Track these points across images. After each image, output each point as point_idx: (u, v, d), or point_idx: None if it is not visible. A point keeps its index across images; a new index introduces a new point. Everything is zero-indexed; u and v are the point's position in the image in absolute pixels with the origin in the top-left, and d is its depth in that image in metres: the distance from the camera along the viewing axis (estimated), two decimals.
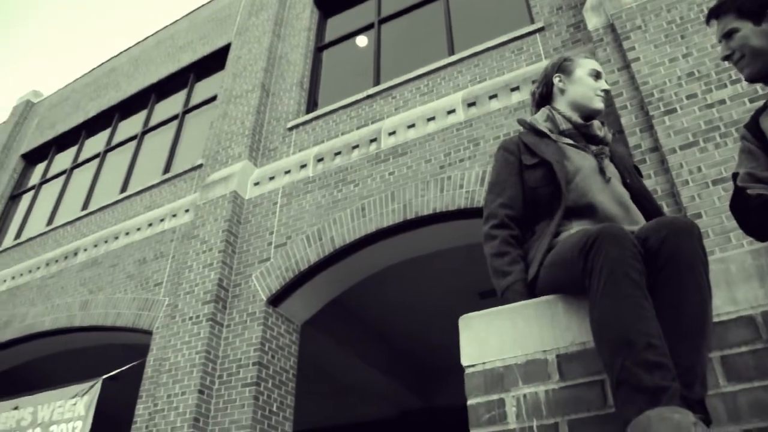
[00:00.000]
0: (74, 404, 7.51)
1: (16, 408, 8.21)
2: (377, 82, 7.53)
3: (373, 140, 6.65)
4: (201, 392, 5.87)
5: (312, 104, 8.07)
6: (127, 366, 7.42)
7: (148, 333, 7.07)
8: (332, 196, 6.54)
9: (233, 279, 6.68)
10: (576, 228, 1.78)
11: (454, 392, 10.00)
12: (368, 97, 7.19)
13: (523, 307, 1.63)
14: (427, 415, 10.39)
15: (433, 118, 6.34)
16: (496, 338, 1.61)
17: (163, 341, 6.64)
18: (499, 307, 1.65)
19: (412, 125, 6.44)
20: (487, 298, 7.87)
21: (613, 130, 2.42)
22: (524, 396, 1.51)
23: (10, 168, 12.80)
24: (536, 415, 1.47)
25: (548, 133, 2.06)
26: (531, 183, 1.95)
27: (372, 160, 6.50)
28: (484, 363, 1.59)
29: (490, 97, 6.08)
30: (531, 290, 1.76)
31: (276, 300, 6.29)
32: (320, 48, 8.75)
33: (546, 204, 1.90)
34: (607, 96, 2.17)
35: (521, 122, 2.18)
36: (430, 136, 6.23)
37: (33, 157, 12.89)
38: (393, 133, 6.54)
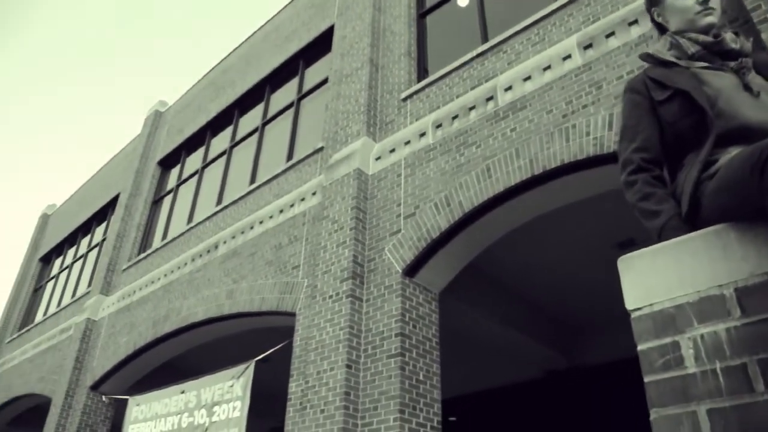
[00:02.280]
0: (232, 386, 7.97)
1: (182, 392, 8.86)
2: (485, 40, 7.33)
3: (489, 99, 6.48)
4: (348, 366, 6.02)
5: (422, 72, 7.98)
6: (276, 347, 7.75)
7: (292, 314, 7.33)
8: (455, 160, 6.46)
9: (367, 254, 6.78)
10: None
11: (601, 349, 9.74)
12: (478, 55, 7.01)
13: (689, 240, 1.50)
14: (574, 375, 10.16)
15: (549, 67, 6.09)
16: (662, 277, 1.49)
17: (307, 321, 6.86)
18: (662, 244, 1.53)
19: (528, 77, 6.22)
20: (626, 248, 7.53)
21: (751, 38, 2.14)
22: (701, 336, 1.39)
23: (150, 175, 13.68)
24: (718, 356, 1.34)
25: (676, 61, 1.88)
26: (669, 118, 1.79)
27: (491, 119, 6.35)
28: (651, 305, 1.48)
29: (607, 36, 5.74)
30: (690, 224, 1.62)
31: (411, 270, 6.32)
32: (422, 14, 8.62)
33: (691, 137, 1.74)
34: (708, 5, 1.91)
35: (644, 57, 2.01)
36: (548, 86, 5.99)
37: (167, 163, 13.70)
38: (509, 88, 6.34)
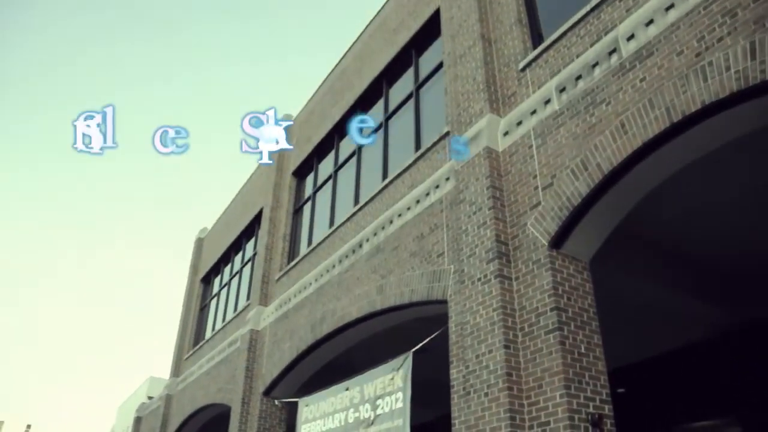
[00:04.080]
0: (392, 378, 8.12)
1: (347, 389, 9.16)
2: None
3: (612, 52, 6.15)
4: (507, 347, 5.94)
5: (537, 38, 7.71)
6: (431, 336, 7.80)
7: (443, 302, 7.35)
8: (586, 122, 6.19)
9: (510, 231, 6.66)
10: None
11: None
12: (593, 9, 6.65)
13: None
14: (753, 332, 9.41)
15: (672, 6, 5.66)
16: None
17: (459, 307, 6.85)
18: None
19: (650, 21, 5.82)
20: None
21: None
22: None
23: (287, 186, 14.26)
24: None
25: None
26: None
27: (617, 73, 6.02)
28: None
29: None
30: None
31: (557, 242, 6.13)
32: None
33: None
34: None
35: None
36: (674, 26, 5.58)
37: (301, 172, 14.20)
38: (631, 37, 5.97)
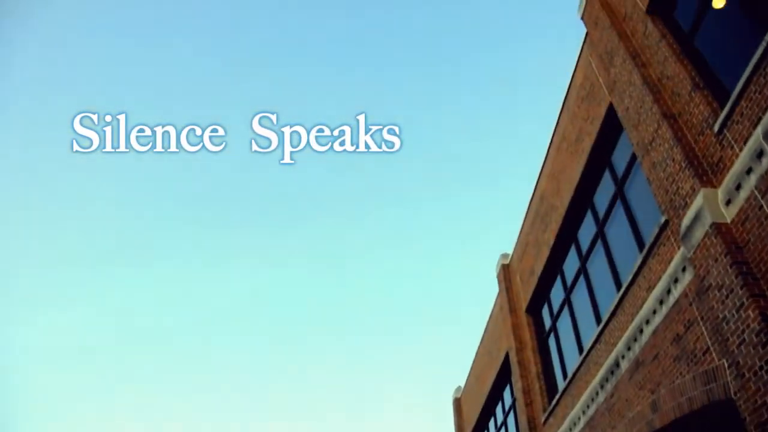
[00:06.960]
0: None
1: None
2: None
3: None
4: None
5: (722, 94, 7.17)
6: None
7: (730, 401, 6.50)
8: None
9: None
10: None
11: None
12: None
13: None
14: None
15: None
16: None
17: (750, 404, 6.00)
18: None
19: None
20: None
21: None
22: None
23: (524, 324, 13.99)
24: None
25: None
26: None
27: None
28: None
29: None
30: None
31: None
32: (687, 43, 7.92)
33: None
34: None
35: None
36: None
37: (534, 306, 13.92)
38: None
